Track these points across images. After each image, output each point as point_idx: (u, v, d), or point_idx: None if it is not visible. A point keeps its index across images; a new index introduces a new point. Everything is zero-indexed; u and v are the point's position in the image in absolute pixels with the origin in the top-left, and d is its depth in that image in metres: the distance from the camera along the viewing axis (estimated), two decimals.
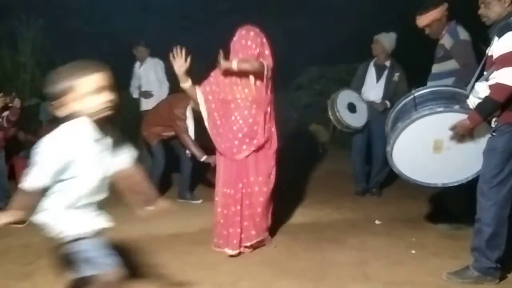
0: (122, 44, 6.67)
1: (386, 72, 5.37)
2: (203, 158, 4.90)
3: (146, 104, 6.08)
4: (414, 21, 4.13)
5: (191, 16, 9.39)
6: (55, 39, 7.63)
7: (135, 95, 6.32)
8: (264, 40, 3.66)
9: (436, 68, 4.15)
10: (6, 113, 4.44)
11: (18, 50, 7.92)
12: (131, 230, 4.31)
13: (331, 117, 5.36)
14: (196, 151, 4.94)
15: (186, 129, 4.96)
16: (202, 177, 5.57)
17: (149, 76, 6.15)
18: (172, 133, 5.16)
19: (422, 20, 4.07)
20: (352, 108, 5.37)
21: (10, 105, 4.43)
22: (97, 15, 8.37)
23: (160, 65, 6.09)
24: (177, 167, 5.45)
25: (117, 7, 8.63)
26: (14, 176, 5.51)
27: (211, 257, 3.62)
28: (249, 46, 3.59)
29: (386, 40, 5.34)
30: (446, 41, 4.05)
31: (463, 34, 4.02)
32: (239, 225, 3.68)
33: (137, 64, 6.22)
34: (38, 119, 7.37)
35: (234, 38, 3.65)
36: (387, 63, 5.39)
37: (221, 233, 3.72)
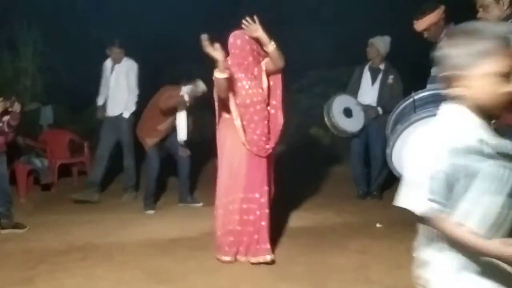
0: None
1: (380, 75, 5.39)
2: (185, 97, 4.94)
3: (112, 110, 5.54)
4: (412, 24, 4.13)
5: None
6: (56, 44, 7.64)
7: (101, 102, 5.60)
8: (255, 46, 3.64)
9: (435, 71, 4.15)
10: (6, 118, 4.45)
11: (19, 54, 7.93)
12: (132, 235, 4.31)
13: (327, 122, 5.38)
14: (178, 99, 4.96)
15: (169, 97, 4.96)
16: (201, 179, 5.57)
17: (119, 79, 5.47)
18: (167, 126, 5.09)
19: (420, 25, 4.06)
20: (348, 113, 5.36)
21: (10, 109, 4.43)
22: (98, 19, 8.36)
23: (134, 69, 5.46)
24: (174, 171, 5.44)
25: (117, 9, 8.64)
26: (15, 181, 5.53)
27: (212, 262, 3.61)
28: (243, 49, 3.61)
29: (381, 43, 5.36)
30: None
31: None
32: (267, 230, 3.58)
33: (108, 63, 5.53)
34: (38, 124, 7.39)
35: (229, 43, 3.65)
36: (382, 66, 5.41)
37: (241, 241, 3.58)
